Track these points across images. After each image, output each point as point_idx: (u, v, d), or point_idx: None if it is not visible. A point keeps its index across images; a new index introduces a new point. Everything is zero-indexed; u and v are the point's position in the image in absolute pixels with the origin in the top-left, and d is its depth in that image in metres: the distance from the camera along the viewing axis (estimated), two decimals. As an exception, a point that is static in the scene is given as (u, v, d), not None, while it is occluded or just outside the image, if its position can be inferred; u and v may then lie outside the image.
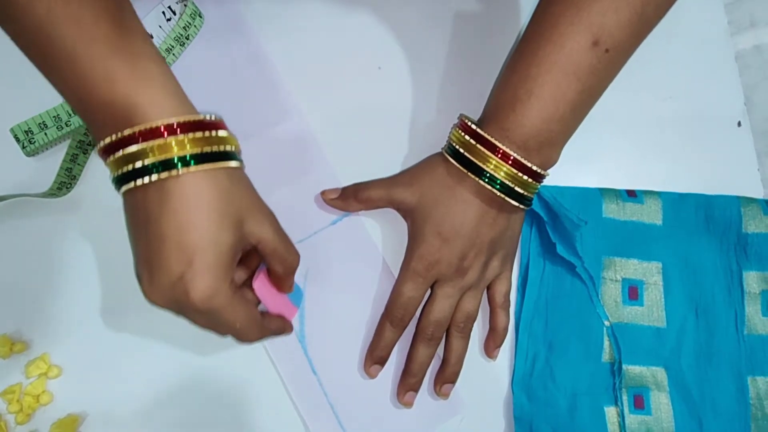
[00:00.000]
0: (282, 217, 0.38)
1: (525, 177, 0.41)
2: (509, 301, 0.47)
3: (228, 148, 0.34)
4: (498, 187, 0.41)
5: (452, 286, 0.44)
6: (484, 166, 0.41)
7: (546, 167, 0.42)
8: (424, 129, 0.49)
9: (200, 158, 0.33)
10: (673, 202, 0.50)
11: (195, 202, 0.33)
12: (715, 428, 0.46)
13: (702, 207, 0.50)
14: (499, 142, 0.41)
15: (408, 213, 0.45)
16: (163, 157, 0.32)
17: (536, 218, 0.48)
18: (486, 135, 0.41)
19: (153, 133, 0.32)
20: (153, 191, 0.32)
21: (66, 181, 0.45)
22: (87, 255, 0.45)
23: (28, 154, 0.45)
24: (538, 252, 0.48)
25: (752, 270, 0.49)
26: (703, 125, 0.52)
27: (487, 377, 0.47)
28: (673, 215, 0.49)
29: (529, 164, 0.41)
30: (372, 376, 0.45)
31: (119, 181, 0.33)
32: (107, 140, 0.32)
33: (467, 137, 0.42)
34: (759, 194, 0.51)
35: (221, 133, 0.34)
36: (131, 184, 0.32)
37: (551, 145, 0.42)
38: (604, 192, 0.49)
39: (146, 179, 0.32)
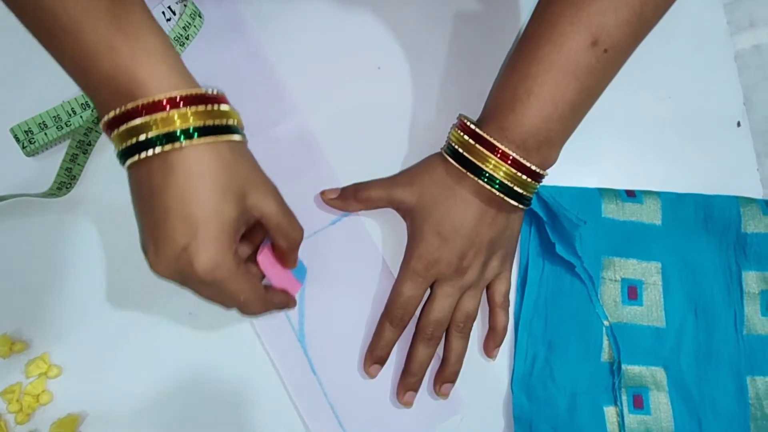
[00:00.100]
0: (282, 216, 0.38)
1: (524, 176, 0.41)
2: (509, 300, 0.47)
3: (230, 122, 0.35)
4: (497, 186, 0.41)
5: (452, 286, 0.44)
6: (483, 166, 0.41)
7: (545, 167, 0.42)
8: (423, 129, 0.49)
9: (203, 131, 0.33)
10: (672, 202, 0.50)
11: (198, 174, 0.33)
12: (715, 428, 0.46)
13: (701, 207, 0.50)
14: (498, 141, 0.41)
15: (407, 213, 0.45)
16: (166, 130, 0.32)
17: (535, 218, 0.48)
18: (485, 135, 0.41)
19: (156, 107, 0.32)
20: (157, 164, 0.33)
21: (66, 181, 0.45)
22: (87, 255, 0.46)
23: (28, 154, 0.46)
24: (538, 252, 0.48)
25: (751, 270, 0.49)
26: (703, 125, 0.52)
27: (486, 377, 0.47)
28: (672, 215, 0.49)
29: (528, 164, 0.41)
30: (372, 375, 0.45)
31: (123, 155, 0.33)
32: (111, 114, 0.33)
33: (466, 137, 0.42)
34: (758, 194, 0.51)
35: (223, 107, 0.34)
36: (135, 158, 0.33)
37: (550, 145, 0.42)
38: (603, 192, 0.49)
39: (150, 152, 0.32)
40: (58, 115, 0.45)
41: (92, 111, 0.46)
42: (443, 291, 0.44)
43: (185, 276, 0.34)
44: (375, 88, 0.50)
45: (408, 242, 0.45)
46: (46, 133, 0.45)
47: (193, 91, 0.33)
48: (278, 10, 0.50)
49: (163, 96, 0.32)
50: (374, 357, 0.44)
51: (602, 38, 0.39)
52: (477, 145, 0.41)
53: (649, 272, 0.49)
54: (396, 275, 0.45)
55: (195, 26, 0.48)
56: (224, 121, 0.34)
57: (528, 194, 0.42)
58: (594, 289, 0.48)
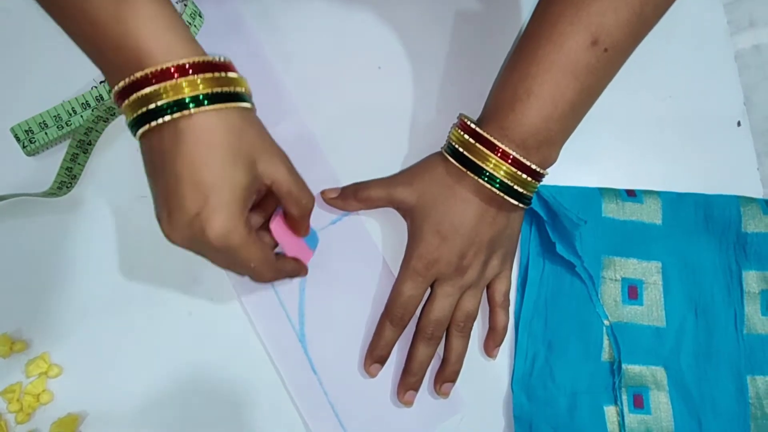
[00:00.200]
0: (282, 216, 0.38)
1: (524, 176, 0.41)
2: (509, 300, 0.47)
3: (239, 89, 0.35)
4: (497, 185, 0.41)
5: (452, 285, 0.44)
6: (483, 165, 0.41)
7: (545, 166, 0.43)
8: (423, 128, 0.49)
9: (213, 98, 0.33)
10: (673, 201, 0.50)
11: (208, 141, 0.33)
12: (715, 427, 0.46)
13: (701, 206, 0.50)
14: (499, 141, 0.41)
15: (407, 212, 0.45)
16: (176, 97, 0.32)
17: (536, 217, 0.48)
18: (485, 134, 0.41)
19: (165, 74, 0.32)
20: (167, 132, 0.33)
21: (66, 180, 0.45)
22: (87, 254, 0.46)
23: (28, 154, 0.46)
24: (538, 251, 0.48)
25: (752, 269, 0.49)
26: (703, 125, 0.52)
27: (486, 376, 0.47)
28: (672, 215, 0.49)
29: (528, 163, 0.41)
30: (372, 375, 0.45)
31: (135, 124, 0.33)
32: (121, 84, 0.33)
33: (466, 136, 0.42)
34: (758, 194, 0.51)
35: (232, 74, 0.35)
36: (146, 127, 0.33)
37: (550, 144, 0.42)
38: (603, 191, 0.49)
39: (160, 120, 0.32)
40: (59, 114, 0.45)
41: (92, 110, 0.46)
42: (443, 290, 0.44)
43: (198, 243, 0.34)
44: (375, 88, 0.50)
45: (408, 242, 0.45)
46: (46, 133, 0.45)
47: (202, 58, 0.33)
48: (278, 10, 0.50)
49: (171, 63, 0.32)
50: (374, 356, 0.44)
51: (602, 38, 0.39)
52: (477, 145, 0.41)
53: (649, 272, 0.49)
54: (396, 275, 0.45)
55: (195, 26, 0.48)
56: (233, 89, 0.34)
57: (528, 193, 0.42)
58: (594, 289, 0.48)
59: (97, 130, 0.46)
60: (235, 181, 0.34)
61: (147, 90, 0.32)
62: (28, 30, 0.48)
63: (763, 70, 0.54)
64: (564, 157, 0.43)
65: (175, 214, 0.34)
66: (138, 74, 0.32)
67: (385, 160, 0.48)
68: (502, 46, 0.50)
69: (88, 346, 0.45)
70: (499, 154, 0.41)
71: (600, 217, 0.49)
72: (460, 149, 0.42)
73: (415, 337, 0.45)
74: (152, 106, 0.32)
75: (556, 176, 0.47)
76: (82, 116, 0.45)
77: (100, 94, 0.46)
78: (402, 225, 0.47)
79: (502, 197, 0.42)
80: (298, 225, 0.40)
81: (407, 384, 0.44)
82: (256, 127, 0.36)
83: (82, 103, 0.45)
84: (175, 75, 0.32)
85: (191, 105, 0.32)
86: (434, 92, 0.50)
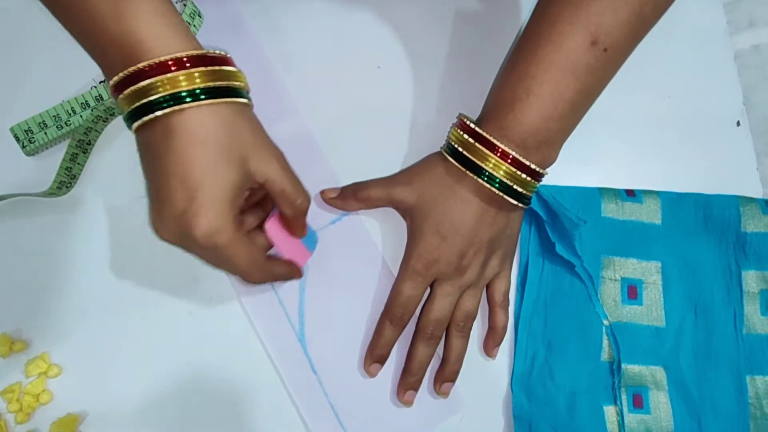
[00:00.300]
0: (282, 216, 0.38)
1: (524, 175, 0.41)
2: (508, 299, 0.47)
3: (237, 84, 0.34)
4: (497, 185, 0.41)
5: (451, 285, 0.44)
6: (483, 165, 0.41)
7: (545, 166, 0.43)
8: (423, 128, 0.49)
9: (210, 92, 0.33)
10: (672, 201, 0.50)
11: (198, 136, 0.33)
12: (714, 427, 0.46)
13: (701, 206, 0.50)
14: (498, 140, 0.41)
15: (407, 212, 0.45)
16: (172, 90, 0.32)
17: (535, 217, 0.48)
18: (485, 134, 0.41)
19: (162, 67, 0.32)
20: (160, 127, 0.33)
21: (66, 180, 0.45)
22: (87, 254, 0.46)
23: (28, 154, 0.46)
24: (537, 251, 0.48)
25: (751, 269, 0.49)
26: (702, 125, 0.52)
27: (486, 376, 0.47)
28: (672, 215, 0.49)
29: (527, 163, 0.41)
30: (372, 375, 0.45)
31: (130, 117, 0.33)
32: (118, 76, 0.33)
33: (466, 136, 0.42)
34: (758, 194, 0.51)
35: (230, 68, 0.34)
36: (140, 121, 0.33)
37: (550, 144, 0.42)
38: (603, 191, 0.49)
39: (157, 113, 0.32)
40: (58, 114, 0.45)
41: (92, 110, 0.46)
42: (443, 290, 0.44)
43: (186, 240, 0.34)
44: (375, 88, 0.50)
45: (408, 241, 0.45)
46: (46, 133, 0.45)
47: (200, 51, 0.33)
48: (278, 10, 0.50)
49: (169, 56, 0.32)
50: (374, 356, 0.44)
51: (601, 38, 0.39)
52: (477, 144, 0.41)
53: (648, 272, 0.49)
54: (396, 274, 0.45)
55: (195, 26, 0.48)
56: (231, 83, 0.34)
57: (528, 193, 0.42)
58: (594, 289, 0.48)
59: (96, 130, 0.46)
60: (224, 178, 0.33)
61: (144, 83, 0.32)
62: (28, 30, 0.48)
63: (762, 70, 0.54)
64: (564, 157, 0.43)
65: (163, 210, 0.33)
66: (136, 66, 0.32)
67: (384, 160, 0.48)
68: (501, 46, 0.50)
69: (88, 346, 0.44)
70: (498, 154, 0.41)
71: (599, 217, 0.49)
72: (460, 149, 0.42)
73: (415, 337, 0.45)
74: (148, 99, 0.32)
75: (555, 176, 0.47)
76: (81, 116, 0.45)
77: (99, 94, 0.46)
78: (401, 225, 0.47)
79: (502, 197, 0.42)
80: (294, 226, 0.40)
81: (407, 384, 0.44)
82: (251, 123, 0.36)
83: (82, 103, 0.45)
84: (173, 68, 0.32)
85: (188, 99, 0.32)
86: (434, 92, 0.50)
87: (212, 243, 0.34)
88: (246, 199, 0.41)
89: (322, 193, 0.46)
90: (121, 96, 0.33)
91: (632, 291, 0.48)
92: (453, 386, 0.45)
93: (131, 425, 0.44)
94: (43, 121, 0.45)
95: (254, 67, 0.48)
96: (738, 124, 0.52)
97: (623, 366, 0.46)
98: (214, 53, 0.34)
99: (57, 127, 0.45)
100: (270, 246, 0.41)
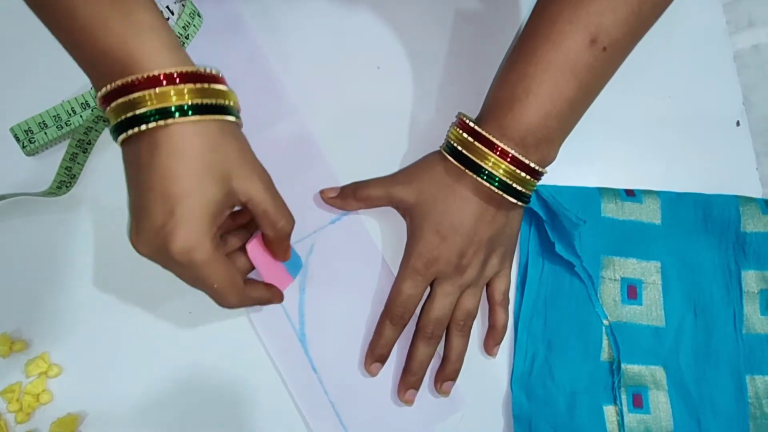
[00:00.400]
0: (281, 215, 0.38)
1: (523, 174, 0.41)
2: (508, 298, 0.47)
3: (226, 102, 0.34)
4: (496, 184, 0.41)
5: (451, 284, 0.44)
6: (482, 164, 0.41)
7: (544, 164, 0.43)
8: (423, 128, 0.49)
9: (198, 109, 0.33)
10: (672, 201, 0.50)
11: (182, 153, 0.32)
12: (714, 427, 0.46)
13: (701, 206, 0.50)
14: (497, 139, 0.41)
15: (407, 211, 0.45)
16: (161, 105, 0.32)
17: (535, 217, 0.48)
18: (484, 133, 0.41)
19: (152, 82, 0.32)
20: (144, 141, 0.33)
21: (66, 180, 0.45)
22: (87, 254, 0.45)
23: (28, 154, 0.46)
24: (537, 251, 0.48)
25: (751, 269, 0.49)
26: (702, 125, 0.52)
27: (487, 375, 0.47)
28: (671, 214, 0.49)
29: (527, 161, 0.41)
30: (372, 374, 0.45)
31: (117, 129, 0.33)
32: (107, 88, 0.32)
33: (465, 135, 0.42)
34: (757, 193, 0.51)
35: (220, 86, 0.34)
36: (125, 135, 0.32)
37: (549, 142, 0.42)
38: (602, 191, 0.49)
39: (143, 127, 0.32)
40: (58, 114, 0.45)
41: (92, 110, 0.46)
42: (443, 289, 0.44)
43: (162, 256, 0.33)
44: (375, 88, 0.50)
45: (407, 241, 0.45)
46: (46, 133, 0.45)
47: (191, 68, 0.33)
48: (278, 10, 0.50)
49: (159, 71, 0.32)
50: (375, 355, 0.44)
51: (601, 37, 0.39)
52: (476, 143, 0.41)
53: (648, 271, 0.49)
54: (396, 274, 0.45)
55: (194, 26, 0.48)
56: (220, 101, 0.34)
57: (527, 192, 0.42)
58: (593, 289, 0.48)
59: (96, 130, 0.46)
60: (205, 194, 0.33)
61: (133, 95, 0.32)
62: (28, 30, 0.48)
63: (762, 69, 0.54)
64: (563, 157, 0.43)
65: (142, 224, 0.33)
66: (125, 79, 0.32)
67: (384, 159, 0.48)
68: (501, 45, 0.50)
69: (88, 346, 0.44)
70: (498, 153, 0.41)
71: (599, 217, 0.49)
72: (459, 148, 0.42)
73: (415, 336, 0.45)
74: (136, 112, 0.32)
75: (555, 176, 0.47)
76: (81, 116, 0.45)
77: (99, 94, 0.46)
78: (401, 224, 0.47)
79: (501, 196, 0.42)
80: (276, 248, 0.39)
81: (408, 383, 0.44)
82: (238, 142, 0.35)
83: (82, 103, 0.46)
84: (164, 82, 0.32)
85: (176, 114, 0.32)
86: (433, 92, 0.50)
87: (188, 259, 0.33)
88: (232, 219, 0.40)
89: (322, 192, 0.46)
90: (108, 108, 0.33)
91: (632, 291, 0.48)
92: (453, 385, 0.45)
93: (131, 425, 0.44)
94: (43, 121, 0.45)
95: (253, 66, 0.49)
96: (738, 124, 0.53)
97: (623, 366, 0.46)
98: (205, 71, 0.34)
99: (57, 127, 0.45)
100: (251, 269, 0.40)
